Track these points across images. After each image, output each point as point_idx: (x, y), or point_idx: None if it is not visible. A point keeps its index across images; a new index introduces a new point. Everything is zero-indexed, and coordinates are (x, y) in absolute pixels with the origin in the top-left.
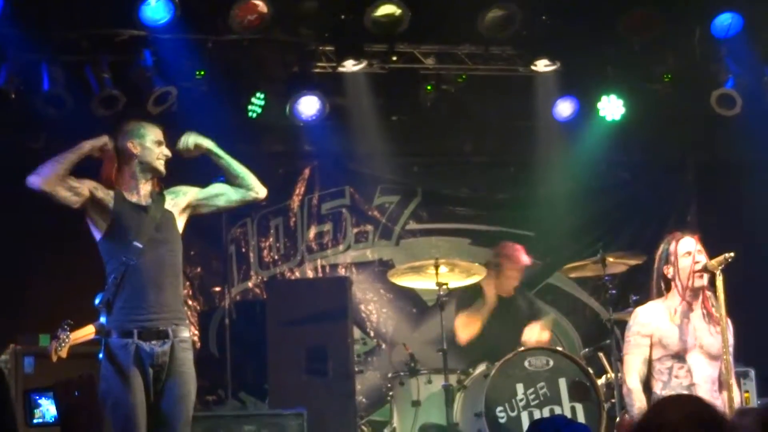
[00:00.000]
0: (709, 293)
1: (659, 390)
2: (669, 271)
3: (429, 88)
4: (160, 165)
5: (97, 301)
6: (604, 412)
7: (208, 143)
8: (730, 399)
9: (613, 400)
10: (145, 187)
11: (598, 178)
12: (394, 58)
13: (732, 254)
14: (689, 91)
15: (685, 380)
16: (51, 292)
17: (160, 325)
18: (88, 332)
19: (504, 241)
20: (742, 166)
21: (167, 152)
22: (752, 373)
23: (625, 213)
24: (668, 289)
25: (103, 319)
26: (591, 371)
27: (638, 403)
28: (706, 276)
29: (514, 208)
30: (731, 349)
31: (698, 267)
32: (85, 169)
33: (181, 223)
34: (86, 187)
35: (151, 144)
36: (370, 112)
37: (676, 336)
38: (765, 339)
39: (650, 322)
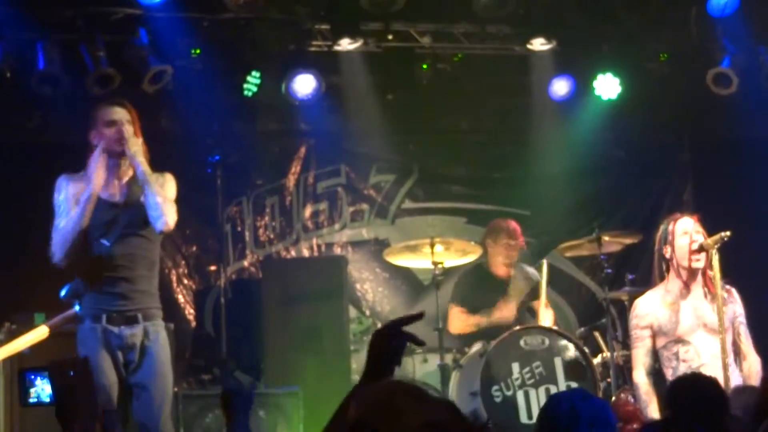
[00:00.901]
0: (710, 272)
1: (671, 377)
2: (668, 252)
3: (425, 66)
4: (120, 146)
5: (62, 293)
6: (599, 391)
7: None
8: (726, 378)
9: (609, 380)
10: (120, 177)
11: (594, 157)
12: (390, 37)
13: (728, 233)
14: (685, 70)
15: (693, 362)
16: (47, 270)
17: (128, 312)
18: (32, 338)
19: (495, 219)
20: (738, 144)
21: (123, 129)
22: None
23: (620, 192)
24: (668, 270)
25: (77, 308)
26: (587, 350)
27: (644, 396)
28: (704, 255)
29: (509, 187)
30: (743, 318)
31: (695, 246)
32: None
33: None
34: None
35: (103, 128)
36: (365, 90)
37: (675, 321)
38: (763, 317)
39: (648, 313)
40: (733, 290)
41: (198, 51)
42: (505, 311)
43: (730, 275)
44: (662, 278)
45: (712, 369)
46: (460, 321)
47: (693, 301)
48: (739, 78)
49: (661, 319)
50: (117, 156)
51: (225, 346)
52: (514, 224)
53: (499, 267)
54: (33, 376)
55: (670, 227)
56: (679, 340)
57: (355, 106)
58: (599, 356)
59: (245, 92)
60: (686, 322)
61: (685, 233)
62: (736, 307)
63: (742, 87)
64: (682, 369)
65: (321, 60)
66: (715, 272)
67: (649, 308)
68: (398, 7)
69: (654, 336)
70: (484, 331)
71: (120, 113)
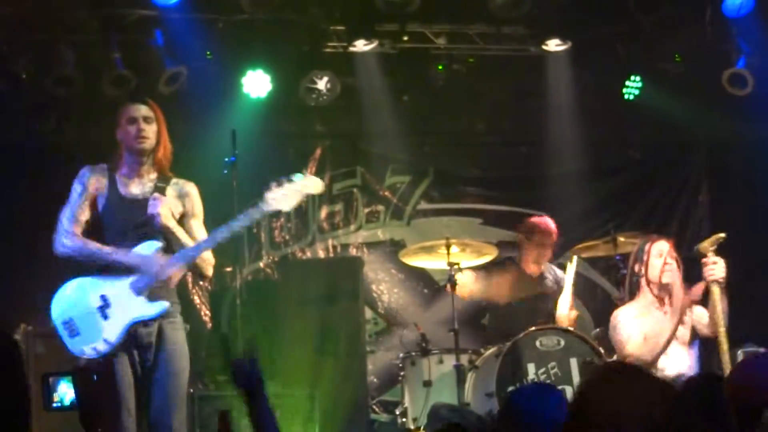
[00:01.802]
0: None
1: None
2: (640, 270)
3: (440, 67)
4: (138, 143)
5: None
6: None
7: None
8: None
9: None
10: (144, 175)
11: (609, 158)
12: (405, 38)
13: (723, 234)
14: (701, 71)
15: (670, 372)
16: (59, 271)
17: None
18: None
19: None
20: (753, 145)
21: (143, 126)
22: (762, 352)
23: (636, 193)
24: (638, 287)
25: None
26: (602, 351)
27: None
28: (674, 274)
29: (525, 188)
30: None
31: (668, 268)
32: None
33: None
34: (82, 221)
35: (125, 124)
36: (381, 91)
37: (652, 332)
38: None
39: (626, 324)
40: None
41: (212, 52)
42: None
43: (745, 274)
44: (632, 296)
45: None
46: (469, 281)
47: (667, 315)
48: (754, 79)
49: (639, 330)
50: (138, 153)
51: (241, 347)
52: (548, 223)
53: (530, 265)
54: (56, 381)
55: (647, 247)
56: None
57: (370, 107)
58: (614, 357)
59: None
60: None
61: (660, 255)
62: (696, 316)
63: (758, 88)
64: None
65: (336, 61)
66: (717, 274)
67: (628, 320)
68: (413, 8)
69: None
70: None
71: (142, 110)
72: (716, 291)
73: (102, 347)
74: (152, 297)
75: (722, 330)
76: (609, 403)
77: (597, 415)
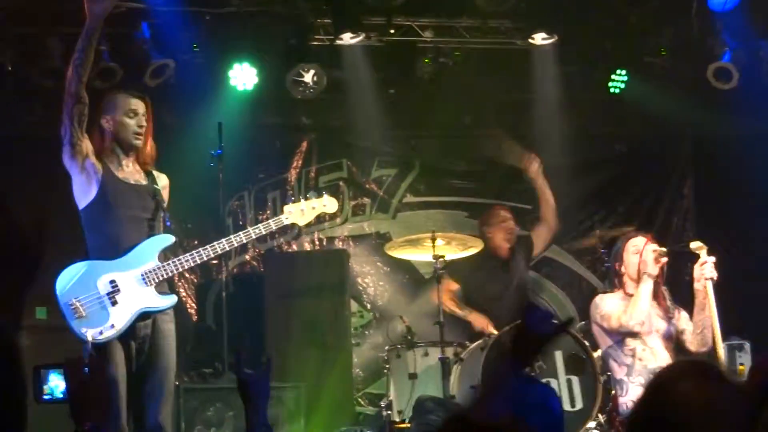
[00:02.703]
0: (663, 287)
1: (625, 376)
2: (620, 267)
3: (426, 61)
4: (135, 139)
5: None
6: (600, 385)
7: None
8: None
9: (609, 373)
10: (129, 164)
11: (595, 152)
12: (392, 31)
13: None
14: (686, 65)
15: (649, 363)
16: (51, 268)
17: None
18: None
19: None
20: (738, 139)
21: (142, 122)
22: (748, 346)
23: (622, 186)
24: (621, 283)
25: None
26: (587, 344)
27: None
28: (650, 265)
29: (511, 181)
30: (689, 336)
31: (643, 265)
32: None
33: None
34: (87, 143)
35: (122, 116)
36: (367, 85)
37: (633, 319)
38: (763, 312)
39: (608, 310)
40: (682, 311)
41: (199, 45)
42: (480, 322)
43: (732, 270)
44: (614, 289)
45: None
46: (445, 295)
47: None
48: (740, 73)
49: (621, 317)
50: (128, 147)
51: (226, 339)
52: (502, 208)
53: (500, 248)
54: (47, 373)
55: (623, 244)
56: (638, 336)
57: (356, 100)
58: (599, 350)
59: (243, 86)
60: (643, 322)
61: (636, 252)
62: (684, 324)
63: (743, 82)
64: (638, 367)
65: (323, 54)
66: (710, 273)
67: (611, 307)
68: (400, 1)
69: (612, 332)
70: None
71: (141, 106)
72: (710, 289)
73: (108, 333)
74: (161, 289)
75: (717, 328)
76: (696, 402)
77: (681, 415)
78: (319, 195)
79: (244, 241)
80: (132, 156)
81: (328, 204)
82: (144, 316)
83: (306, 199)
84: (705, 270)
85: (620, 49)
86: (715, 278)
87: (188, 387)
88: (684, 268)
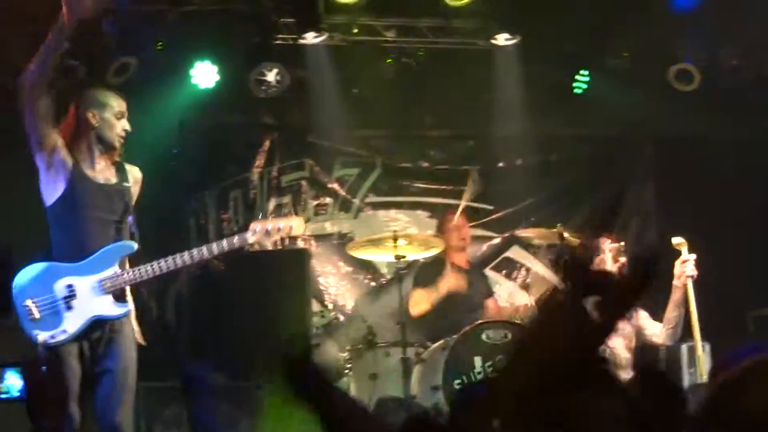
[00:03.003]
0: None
1: None
2: None
3: (390, 61)
4: (118, 141)
5: None
6: None
7: None
8: None
9: None
10: (102, 161)
11: (557, 152)
12: (355, 31)
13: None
14: (648, 66)
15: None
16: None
17: None
18: None
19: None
20: (700, 141)
21: (127, 126)
22: (708, 347)
23: (584, 187)
24: None
25: None
26: None
27: None
28: (613, 266)
29: (473, 182)
30: (649, 333)
31: (603, 264)
32: None
33: None
34: (55, 136)
35: (111, 116)
36: (330, 84)
37: None
38: (724, 314)
39: None
40: (640, 309)
41: (161, 43)
42: (452, 279)
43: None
44: None
45: (626, 374)
46: (419, 299)
47: None
48: (701, 75)
49: None
50: (110, 147)
51: (187, 339)
52: (453, 213)
53: (455, 255)
54: (4, 370)
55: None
56: None
57: (319, 99)
58: None
59: (206, 84)
60: None
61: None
62: (643, 322)
63: (704, 83)
64: None
65: (286, 53)
66: (690, 271)
67: None
68: (364, 1)
69: None
70: (447, 325)
71: (125, 106)
72: (691, 287)
73: (60, 337)
74: (118, 298)
75: (697, 327)
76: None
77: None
78: (289, 215)
79: (206, 256)
80: (107, 154)
81: (294, 226)
82: (98, 322)
83: (274, 219)
84: (686, 268)
85: (582, 50)
86: (695, 276)
87: (148, 386)
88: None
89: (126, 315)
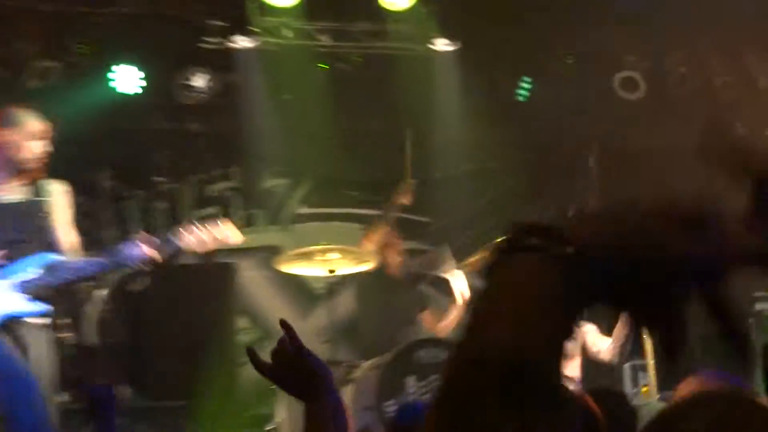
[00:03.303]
0: None
1: None
2: None
3: (324, 66)
4: (39, 163)
5: None
6: None
7: None
8: None
9: None
10: (15, 180)
11: (498, 160)
12: (289, 35)
13: None
14: (593, 74)
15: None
16: None
17: None
18: None
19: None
20: (644, 151)
21: (46, 147)
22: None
23: (527, 196)
24: None
25: None
26: None
27: None
28: None
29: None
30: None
31: None
32: None
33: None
34: None
35: (28, 139)
36: (261, 90)
37: None
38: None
39: None
40: (587, 324)
41: (86, 47)
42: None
43: None
44: None
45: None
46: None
47: None
48: (646, 83)
49: None
50: (20, 170)
51: (109, 357)
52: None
53: (393, 266)
54: None
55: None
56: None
57: (249, 105)
58: None
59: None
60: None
61: None
62: (589, 337)
63: (649, 92)
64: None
65: (215, 57)
66: None
67: None
68: (296, 3)
69: None
70: (373, 329)
71: (45, 127)
72: None
73: None
74: (35, 297)
75: (649, 345)
76: None
77: None
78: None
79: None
80: (22, 173)
81: (229, 234)
82: (11, 321)
83: (208, 226)
84: None
85: (525, 57)
86: None
87: (68, 407)
88: None
89: (42, 314)
